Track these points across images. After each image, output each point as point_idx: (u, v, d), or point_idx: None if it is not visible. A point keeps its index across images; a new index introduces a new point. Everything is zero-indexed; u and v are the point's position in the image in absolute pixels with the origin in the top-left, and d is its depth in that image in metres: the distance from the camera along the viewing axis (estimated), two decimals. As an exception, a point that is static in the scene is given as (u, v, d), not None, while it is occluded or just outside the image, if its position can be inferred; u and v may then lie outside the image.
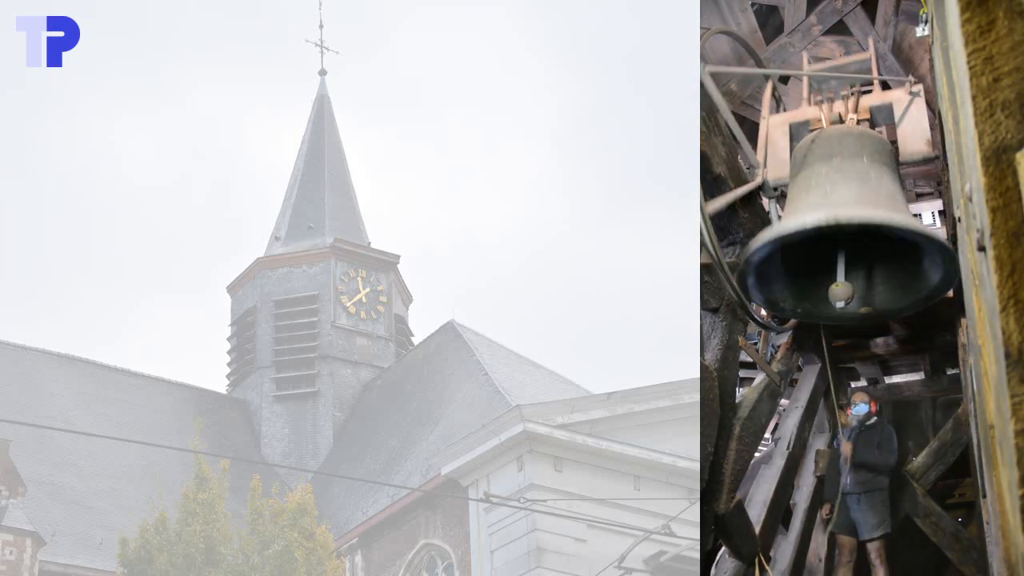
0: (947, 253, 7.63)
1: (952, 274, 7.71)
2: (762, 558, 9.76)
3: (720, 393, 8.64)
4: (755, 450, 10.08)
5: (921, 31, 11.77)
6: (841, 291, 8.04)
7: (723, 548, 9.53)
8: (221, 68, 73.26)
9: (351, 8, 77.82)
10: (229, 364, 37.97)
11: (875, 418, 12.96)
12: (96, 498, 29.34)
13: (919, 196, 15.61)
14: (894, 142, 10.30)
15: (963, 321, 9.70)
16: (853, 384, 14.55)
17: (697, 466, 8.99)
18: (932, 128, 10.25)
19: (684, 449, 26.45)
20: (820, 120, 10.46)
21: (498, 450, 26.83)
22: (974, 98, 3.00)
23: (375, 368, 36.65)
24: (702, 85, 8.67)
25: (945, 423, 13.50)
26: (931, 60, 10.03)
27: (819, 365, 12.60)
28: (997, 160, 2.98)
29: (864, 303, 8.62)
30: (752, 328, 11.08)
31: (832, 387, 13.01)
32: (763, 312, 10.62)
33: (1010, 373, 2.92)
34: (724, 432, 8.82)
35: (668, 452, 27.22)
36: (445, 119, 76.54)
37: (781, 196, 10.74)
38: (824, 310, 8.67)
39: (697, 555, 15.54)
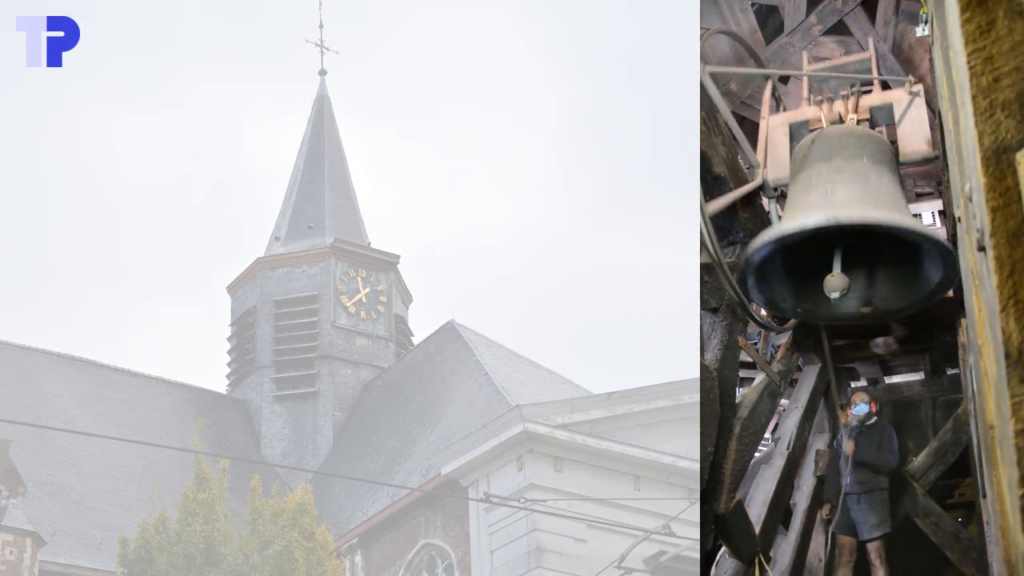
0: (947, 253, 7.62)
1: (953, 274, 7.70)
2: (762, 558, 9.76)
3: (720, 393, 8.63)
4: (755, 450, 10.08)
5: (921, 31, 11.77)
6: (836, 281, 8.01)
7: (723, 548, 9.53)
8: (221, 68, 73.32)
9: (351, 8, 77.88)
10: (229, 364, 37.98)
11: (875, 418, 12.97)
12: (96, 498, 29.34)
13: (919, 196, 15.61)
14: (894, 142, 10.29)
15: (963, 321, 9.70)
16: (853, 384, 14.55)
17: (697, 466, 8.98)
18: (932, 128, 10.24)
19: (684, 449, 26.45)
20: (820, 120, 10.44)
21: (498, 450, 26.83)
22: (974, 98, 3.00)
23: (375, 368, 36.65)
24: (702, 86, 8.66)
25: (945, 423, 13.50)
26: (931, 60, 10.03)
27: (819, 365, 12.60)
28: (997, 160, 2.98)
29: (864, 302, 8.60)
30: (752, 328, 11.08)
31: (832, 387, 13.02)
32: (763, 312, 10.62)
33: (1010, 373, 2.92)
34: (724, 432, 8.82)
35: (668, 452, 27.23)
36: (445, 119, 76.61)
37: (781, 196, 10.73)
38: (824, 310, 8.66)
39: (697, 555, 15.54)
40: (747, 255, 8.04)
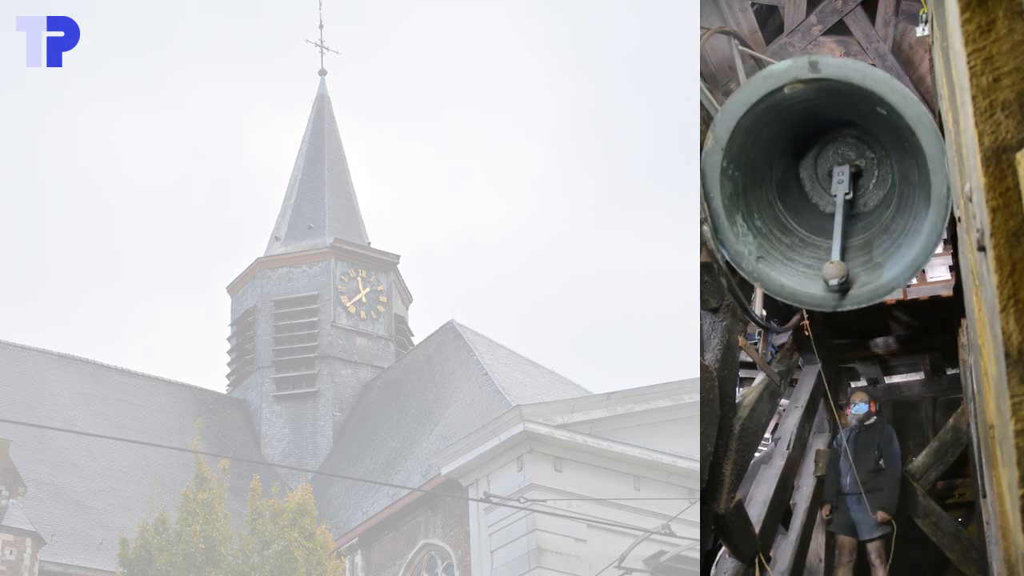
0: (923, 115, 6.96)
1: (942, 194, 6.97)
2: (762, 558, 9.76)
3: (720, 393, 8.63)
4: (755, 450, 10.09)
5: (921, 31, 11.76)
6: (834, 269, 7.64)
7: (723, 548, 9.53)
8: (221, 68, 73.32)
9: (351, 8, 77.91)
10: (229, 364, 37.97)
11: (875, 418, 12.98)
12: (96, 498, 29.33)
13: (919, 196, 15.58)
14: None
15: (963, 321, 9.70)
16: (853, 384, 14.57)
17: (697, 466, 8.98)
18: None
19: (684, 449, 26.44)
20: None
21: (498, 450, 26.82)
22: (974, 98, 3.00)
23: (375, 368, 36.65)
24: (702, 75, 8.66)
25: (945, 423, 13.50)
26: (931, 60, 10.03)
27: (819, 365, 12.61)
28: (997, 160, 2.98)
29: (858, 283, 8.03)
30: (752, 328, 11.08)
31: (832, 387, 13.02)
32: (763, 312, 10.62)
33: (1010, 373, 2.92)
34: (724, 432, 8.82)
35: (668, 452, 27.21)
36: (445, 119, 76.60)
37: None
38: (803, 293, 8.01)
39: (697, 555, 15.55)
40: (713, 127, 7.40)
